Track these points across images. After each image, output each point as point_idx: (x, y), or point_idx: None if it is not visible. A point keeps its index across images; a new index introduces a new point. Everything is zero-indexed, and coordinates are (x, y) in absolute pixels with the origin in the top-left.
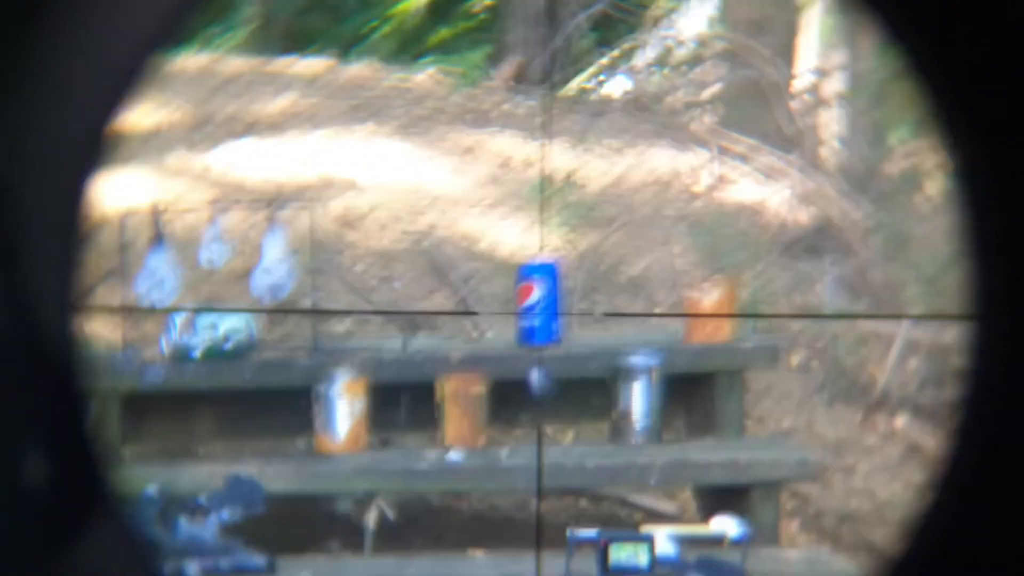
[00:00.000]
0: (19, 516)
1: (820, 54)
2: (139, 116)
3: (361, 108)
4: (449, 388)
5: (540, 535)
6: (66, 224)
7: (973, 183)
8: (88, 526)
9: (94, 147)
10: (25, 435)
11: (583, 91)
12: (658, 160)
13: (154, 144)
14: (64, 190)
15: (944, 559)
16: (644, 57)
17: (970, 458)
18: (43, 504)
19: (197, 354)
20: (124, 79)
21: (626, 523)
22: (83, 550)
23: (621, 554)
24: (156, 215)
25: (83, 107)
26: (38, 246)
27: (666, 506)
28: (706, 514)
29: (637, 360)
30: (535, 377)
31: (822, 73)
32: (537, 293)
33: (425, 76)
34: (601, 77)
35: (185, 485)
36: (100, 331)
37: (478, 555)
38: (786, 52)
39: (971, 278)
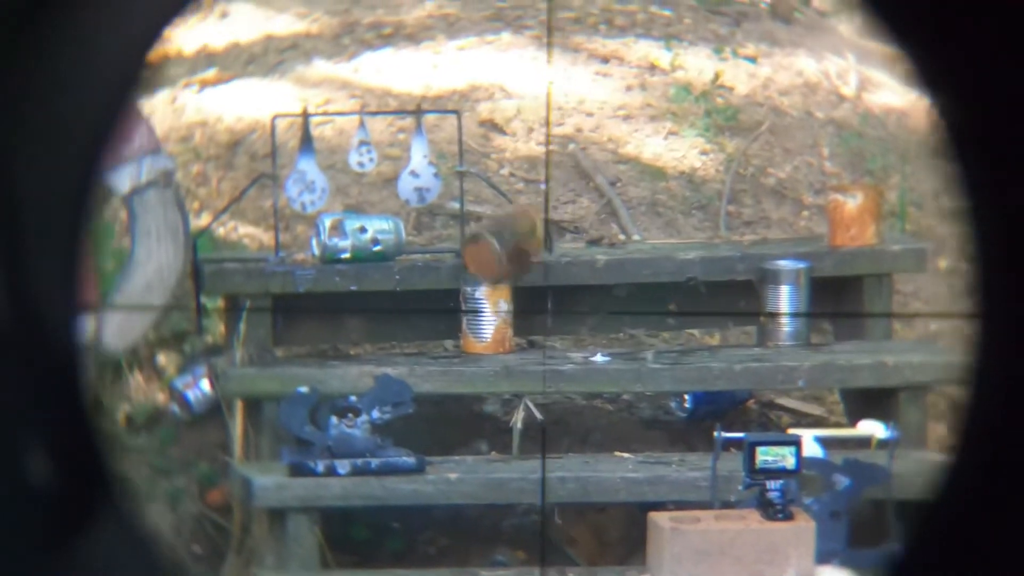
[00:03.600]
0: (23, 514)
1: None
2: (281, 25)
3: (500, 16)
4: None
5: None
6: (69, 223)
7: (975, 183)
8: (92, 524)
9: (95, 150)
10: (28, 433)
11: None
12: (803, 64)
13: (296, 53)
14: (67, 190)
15: (950, 556)
16: None
17: (975, 457)
18: (47, 502)
19: (346, 256)
20: (124, 79)
21: (773, 425)
22: (87, 547)
23: (768, 456)
24: (305, 120)
25: (83, 108)
26: (42, 246)
27: (813, 409)
28: (853, 417)
29: (784, 263)
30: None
31: None
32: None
33: None
34: None
35: (336, 385)
36: (252, 234)
37: (625, 456)
38: None
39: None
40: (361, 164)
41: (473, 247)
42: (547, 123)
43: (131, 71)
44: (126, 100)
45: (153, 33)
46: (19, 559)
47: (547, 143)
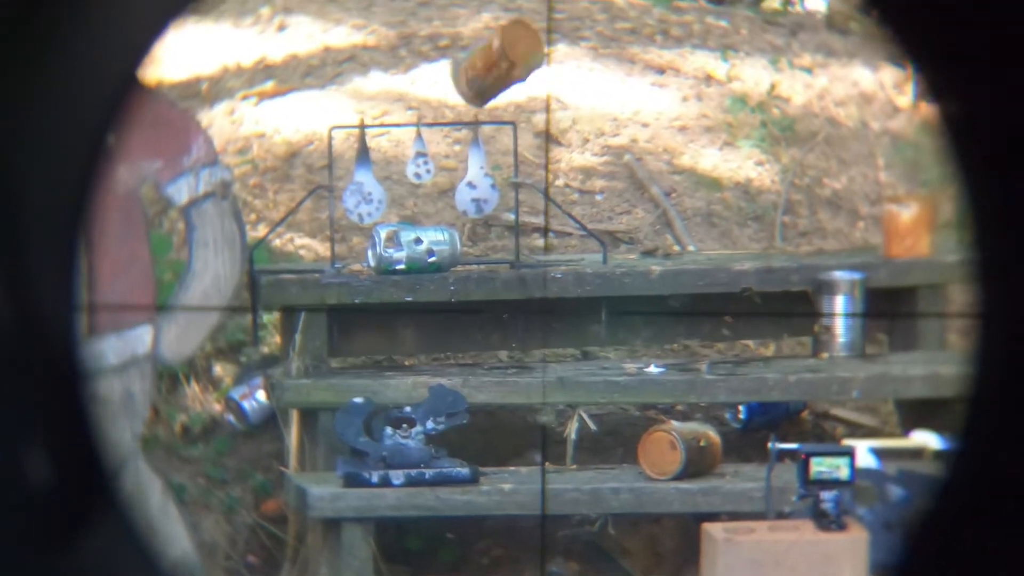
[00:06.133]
0: (23, 515)
1: None
2: (338, 37)
3: (557, 27)
4: None
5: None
6: (69, 224)
7: (978, 184)
8: (92, 524)
9: (95, 151)
10: (28, 433)
11: (778, 11)
12: (859, 75)
13: (353, 65)
14: (67, 191)
15: (950, 556)
16: None
17: (975, 456)
18: (47, 502)
19: (402, 267)
20: (122, 81)
21: (827, 436)
22: (87, 548)
23: (822, 467)
24: (362, 131)
25: (83, 109)
26: (42, 246)
27: (867, 420)
28: (907, 428)
29: (839, 274)
30: None
31: None
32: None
33: None
34: None
35: (390, 396)
36: (308, 245)
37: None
38: None
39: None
40: (418, 175)
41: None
42: (547, 126)
43: (130, 72)
44: (125, 101)
45: (153, 34)
46: (19, 559)
47: (547, 146)
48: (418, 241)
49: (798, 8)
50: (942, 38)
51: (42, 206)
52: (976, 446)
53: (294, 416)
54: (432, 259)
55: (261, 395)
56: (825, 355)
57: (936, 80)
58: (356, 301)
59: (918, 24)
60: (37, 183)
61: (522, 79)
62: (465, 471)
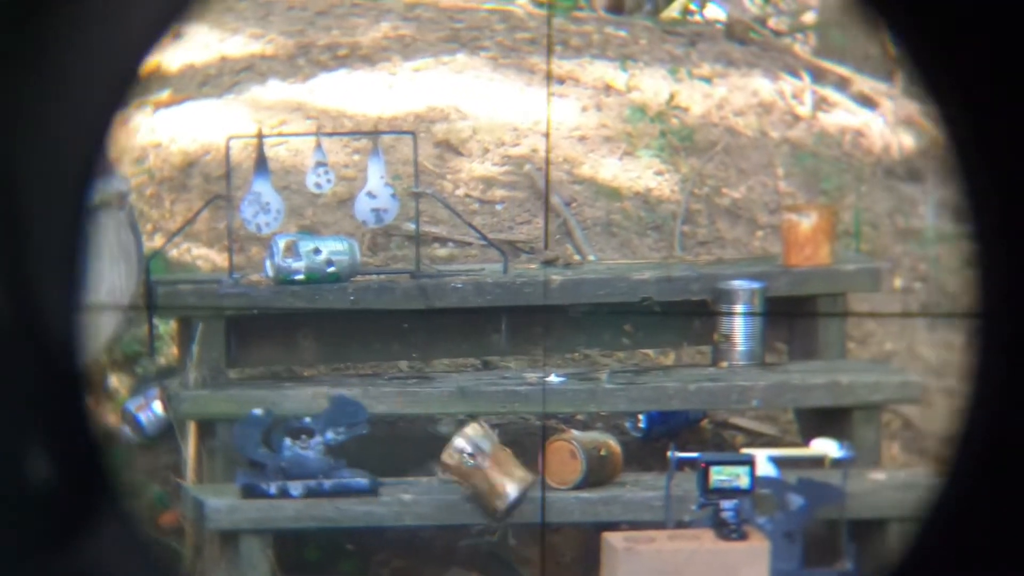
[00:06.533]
0: (23, 515)
1: None
2: (235, 47)
3: (456, 37)
4: None
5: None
6: (69, 223)
7: (977, 184)
8: (92, 524)
9: (95, 151)
10: (28, 433)
11: (677, 20)
12: (758, 84)
13: (251, 75)
14: (67, 191)
15: (950, 555)
16: None
17: (975, 455)
18: (47, 502)
19: (300, 277)
20: (122, 81)
21: (727, 445)
22: (87, 548)
23: (722, 476)
24: (260, 141)
25: (83, 109)
26: (41, 246)
27: (767, 428)
28: (807, 436)
29: (739, 283)
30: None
31: None
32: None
33: (518, 5)
34: (693, 7)
35: (290, 407)
36: (206, 255)
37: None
38: None
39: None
40: (318, 185)
41: None
42: (547, 132)
43: (129, 73)
44: (124, 102)
45: (153, 35)
46: (19, 559)
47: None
48: (317, 251)
49: (697, 18)
50: (941, 35)
51: (42, 206)
52: (976, 446)
53: (191, 428)
54: (331, 269)
55: (158, 406)
56: (725, 364)
57: (935, 78)
58: (255, 311)
59: (915, 20)
60: (37, 183)
61: None
62: (364, 482)
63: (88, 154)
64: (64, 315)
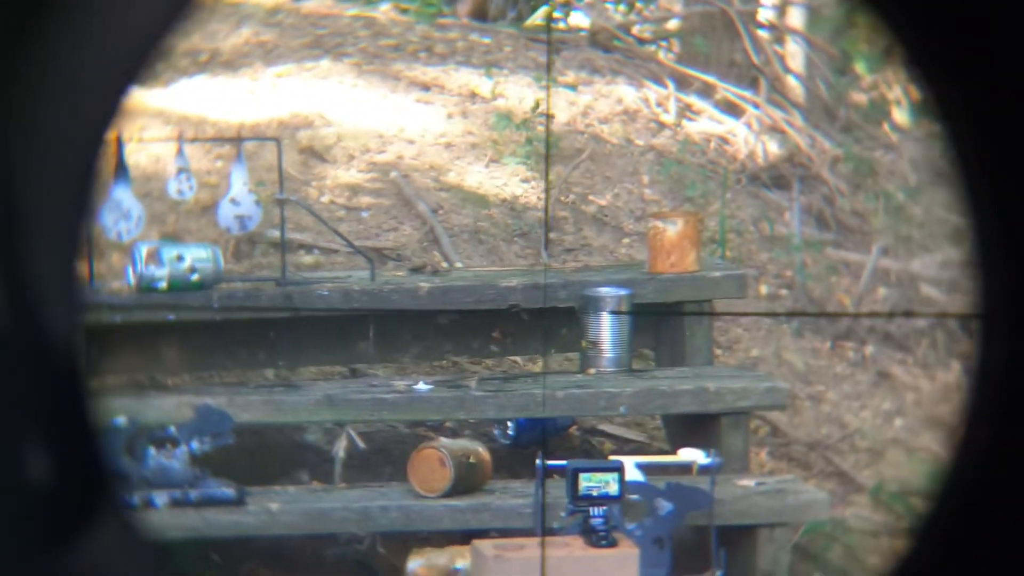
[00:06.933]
0: (23, 514)
1: None
2: None
3: (319, 43)
4: None
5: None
6: (67, 223)
7: (976, 185)
8: (92, 524)
9: (94, 148)
10: (28, 433)
11: (541, 27)
12: (623, 92)
13: None
14: (67, 192)
15: (950, 556)
16: None
17: (975, 456)
18: (47, 501)
19: (163, 285)
20: (121, 80)
21: (596, 452)
22: (87, 547)
23: (591, 483)
24: (119, 147)
25: (83, 109)
26: (40, 245)
27: (635, 435)
28: (675, 443)
29: (605, 290)
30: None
31: (785, 4)
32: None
33: (382, 12)
34: (557, 14)
35: (154, 416)
36: None
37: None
38: None
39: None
40: (180, 192)
41: None
42: (546, 139)
43: (129, 73)
44: (124, 102)
45: (154, 35)
46: (19, 559)
47: (546, 151)
48: (180, 259)
49: (561, 25)
50: (942, 33)
51: (42, 206)
52: (976, 447)
53: None
54: (195, 277)
55: None
56: (592, 371)
57: (934, 77)
58: (116, 320)
59: (916, 17)
60: (37, 184)
61: None
62: (230, 492)
63: (88, 154)
64: (64, 315)
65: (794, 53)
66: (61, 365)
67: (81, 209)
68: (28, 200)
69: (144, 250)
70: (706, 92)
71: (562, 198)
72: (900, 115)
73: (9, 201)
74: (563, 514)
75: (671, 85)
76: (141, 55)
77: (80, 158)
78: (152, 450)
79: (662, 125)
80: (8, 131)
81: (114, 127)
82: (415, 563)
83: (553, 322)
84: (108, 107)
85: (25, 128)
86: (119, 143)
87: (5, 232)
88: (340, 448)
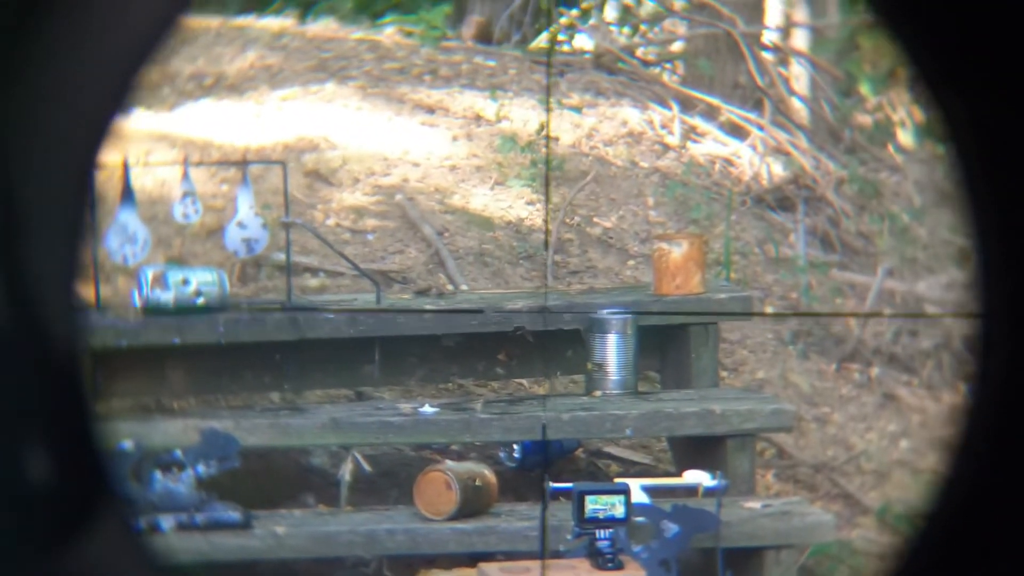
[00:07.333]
0: (23, 514)
1: (786, 7)
2: None
3: (324, 67)
4: None
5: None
6: (68, 224)
7: (976, 186)
8: (92, 524)
9: (94, 149)
10: (28, 433)
11: (544, 50)
12: (627, 114)
13: None
14: (67, 192)
15: (951, 555)
16: (606, 14)
17: (976, 459)
18: (47, 501)
19: (169, 308)
20: (122, 81)
21: (601, 474)
22: (87, 547)
23: (597, 505)
24: (125, 170)
25: (83, 109)
26: (41, 246)
27: (641, 457)
28: (681, 465)
29: (611, 312)
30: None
31: (789, 26)
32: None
33: (386, 35)
34: (561, 36)
35: (159, 440)
36: None
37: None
38: (752, 6)
39: (976, 277)
40: (186, 216)
41: None
42: (547, 160)
43: (130, 73)
44: (124, 102)
45: (154, 35)
46: (19, 559)
47: (547, 172)
48: (186, 282)
49: (565, 48)
50: (949, 53)
51: (42, 206)
52: (976, 448)
53: None
54: (200, 300)
55: None
56: (598, 393)
57: (941, 96)
58: (122, 344)
59: (924, 36)
60: (37, 184)
61: None
62: (236, 515)
63: (88, 154)
64: (64, 315)
65: (798, 75)
66: (60, 365)
67: (82, 209)
68: (30, 201)
69: (150, 274)
70: (710, 114)
71: (567, 220)
72: (905, 136)
73: (9, 201)
74: (569, 536)
75: (675, 107)
76: (141, 57)
77: (80, 158)
78: (158, 474)
79: (667, 147)
80: (8, 131)
81: (114, 127)
82: None
83: (559, 344)
84: (108, 107)
85: (25, 128)
86: (125, 167)
87: (5, 232)
88: (346, 471)
